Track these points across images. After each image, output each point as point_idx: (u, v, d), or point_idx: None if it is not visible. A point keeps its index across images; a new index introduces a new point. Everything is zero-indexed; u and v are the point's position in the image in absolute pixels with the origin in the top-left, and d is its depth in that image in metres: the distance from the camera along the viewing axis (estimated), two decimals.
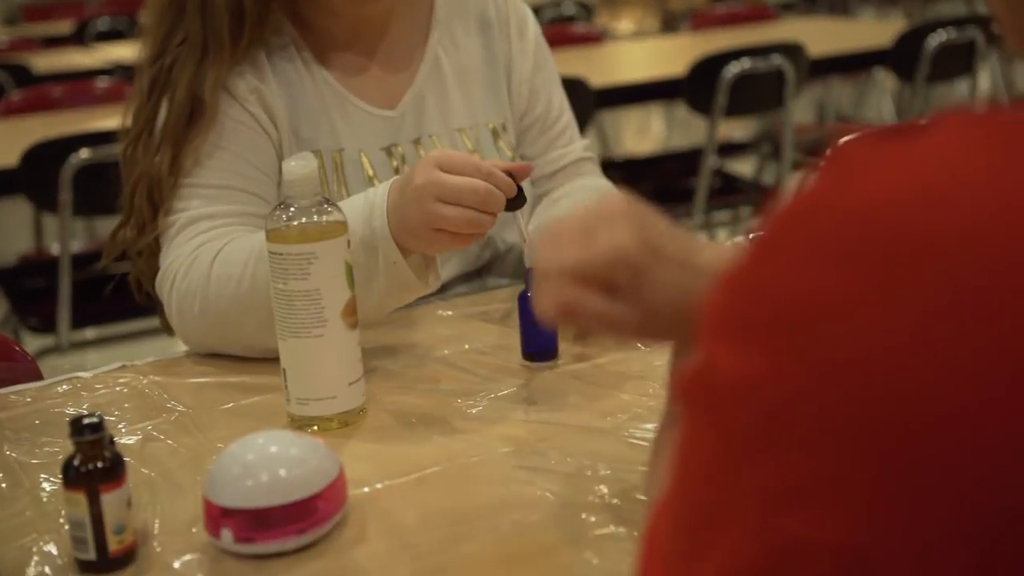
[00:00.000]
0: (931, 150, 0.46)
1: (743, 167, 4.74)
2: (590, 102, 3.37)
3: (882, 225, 0.44)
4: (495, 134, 1.62)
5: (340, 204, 1.27)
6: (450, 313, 1.53)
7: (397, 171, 1.54)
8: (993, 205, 0.43)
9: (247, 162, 1.48)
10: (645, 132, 6.52)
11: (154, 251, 1.50)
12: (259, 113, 1.49)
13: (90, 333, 3.30)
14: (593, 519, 1.00)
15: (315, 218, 1.19)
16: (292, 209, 1.19)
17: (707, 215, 3.81)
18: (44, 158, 2.84)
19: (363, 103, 1.55)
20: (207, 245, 1.41)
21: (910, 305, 0.43)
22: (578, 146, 1.70)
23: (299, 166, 1.18)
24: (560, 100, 1.70)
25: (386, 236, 1.29)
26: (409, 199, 1.26)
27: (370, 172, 1.53)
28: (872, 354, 0.43)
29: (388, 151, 1.55)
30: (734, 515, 0.46)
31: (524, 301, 1.34)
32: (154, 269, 1.49)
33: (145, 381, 1.38)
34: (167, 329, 1.57)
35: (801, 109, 5.76)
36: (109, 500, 0.95)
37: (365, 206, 1.31)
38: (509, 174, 1.26)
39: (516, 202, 1.27)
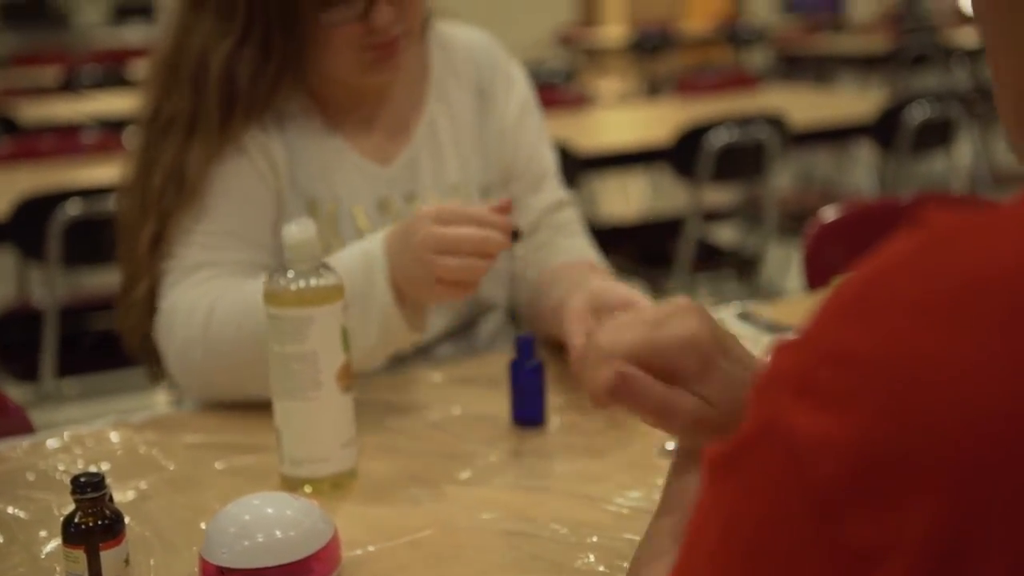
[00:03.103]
0: None
1: (725, 233, 4.79)
2: (574, 166, 3.42)
3: (994, 290, 0.45)
4: (485, 192, 1.67)
5: (333, 257, 1.34)
6: (440, 377, 1.56)
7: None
8: None
9: (247, 209, 1.52)
10: (628, 196, 6.58)
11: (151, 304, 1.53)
12: (260, 162, 1.53)
13: (72, 385, 3.31)
14: None
15: (313, 282, 1.21)
16: (291, 273, 1.21)
17: (689, 280, 3.84)
18: (34, 210, 2.86)
19: (361, 158, 1.60)
20: (207, 295, 1.44)
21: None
22: (557, 193, 1.73)
23: (299, 231, 1.21)
24: (545, 154, 1.74)
25: (385, 288, 1.34)
26: (411, 255, 1.31)
27: (362, 224, 1.57)
28: (984, 415, 0.44)
29: (382, 206, 1.60)
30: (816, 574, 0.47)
31: (515, 367, 1.36)
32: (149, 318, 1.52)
33: (138, 438, 1.40)
34: (153, 378, 1.59)
35: (785, 177, 5.82)
36: (108, 557, 0.97)
37: (362, 259, 1.35)
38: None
39: (515, 235, 1.33)
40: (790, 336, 0.51)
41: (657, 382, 0.82)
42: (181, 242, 1.50)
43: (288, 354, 1.21)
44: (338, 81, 1.56)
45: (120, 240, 1.58)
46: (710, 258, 3.93)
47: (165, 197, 1.50)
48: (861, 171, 5.59)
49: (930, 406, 0.45)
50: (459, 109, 1.67)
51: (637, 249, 3.94)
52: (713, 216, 4.51)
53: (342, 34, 1.48)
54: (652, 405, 0.82)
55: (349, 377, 1.24)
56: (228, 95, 1.50)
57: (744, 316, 1.71)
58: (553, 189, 1.73)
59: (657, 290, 3.75)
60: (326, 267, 1.23)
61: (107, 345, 3.21)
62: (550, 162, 1.75)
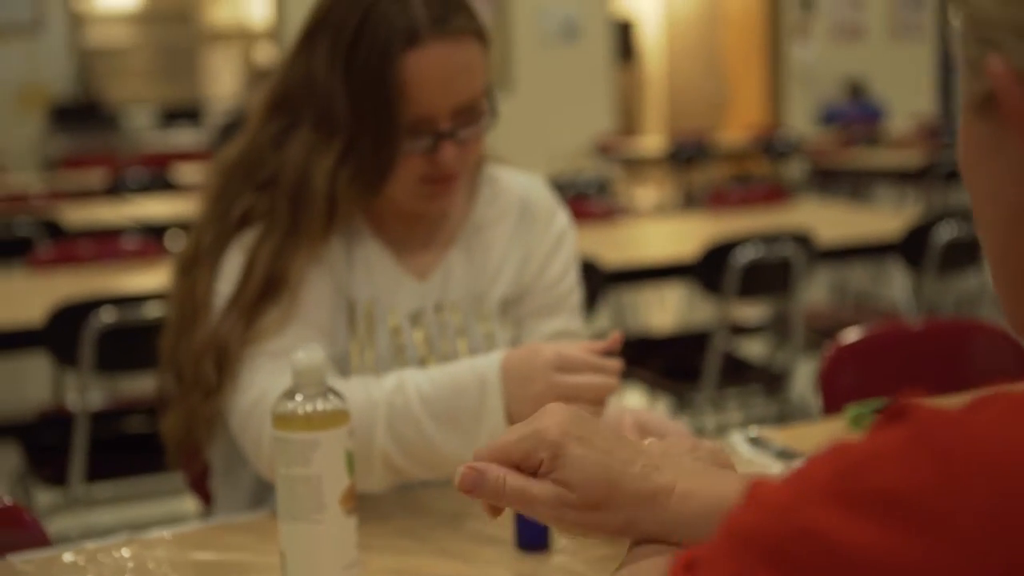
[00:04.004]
0: (993, 418, 0.51)
1: (755, 347, 4.79)
2: (600, 280, 3.45)
3: (958, 500, 0.48)
4: (504, 305, 1.73)
5: (440, 369, 1.47)
6: (444, 498, 1.57)
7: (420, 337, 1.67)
8: None
9: (324, 302, 1.62)
10: (665, 307, 6.60)
11: (205, 409, 1.59)
12: (327, 259, 1.63)
13: (103, 490, 3.35)
14: None
15: (319, 407, 1.24)
16: (298, 397, 1.24)
17: (717, 396, 3.85)
18: (69, 317, 2.91)
19: (401, 270, 1.69)
20: None
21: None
22: (568, 324, 1.77)
23: (306, 357, 1.24)
24: (569, 287, 1.79)
25: (499, 413, 1.44)
26: (532, 396, 1.41)
27: (394, 330, 1.65)
28: None
29: (414, 318, 1.68)
30: None
31: None
32: (203, 421, 1.59)
33: (148, 555, 1.42)
34: (196, 487, 1.61)
35: (819, 290, 5.82)
36: None
37: (475, 380, 1.45)
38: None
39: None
40: (771, 478, 0.54)
41: (513, 473, 0.90)
42: (270, 333, 1.56)
43: (294, 476, 1.24)
44: (393, 201, 1.65)
45: (169, 339, 1.64)
46: (738, 373, 3.94)
47: (261, 296, 1.57)
48: (896, 285, 5.59)
49: None
50: (498, 231, 1.74)
51: (665, 363, 3.96)
52: (742, 330, 4.52)
53: (408, 163, 1.58)
54: (510, 494, 0.90)
55: (353, 500, 1.27)
56: (331, 208, 1.60)
57: (755, 441, 1.72)
58: (565, 320, 1.77)
59: (684, 405, 3.76)
60: (333, 392, 1.26)
61: (139, 449, 3.26)
62: (572, 295, 1.80)
